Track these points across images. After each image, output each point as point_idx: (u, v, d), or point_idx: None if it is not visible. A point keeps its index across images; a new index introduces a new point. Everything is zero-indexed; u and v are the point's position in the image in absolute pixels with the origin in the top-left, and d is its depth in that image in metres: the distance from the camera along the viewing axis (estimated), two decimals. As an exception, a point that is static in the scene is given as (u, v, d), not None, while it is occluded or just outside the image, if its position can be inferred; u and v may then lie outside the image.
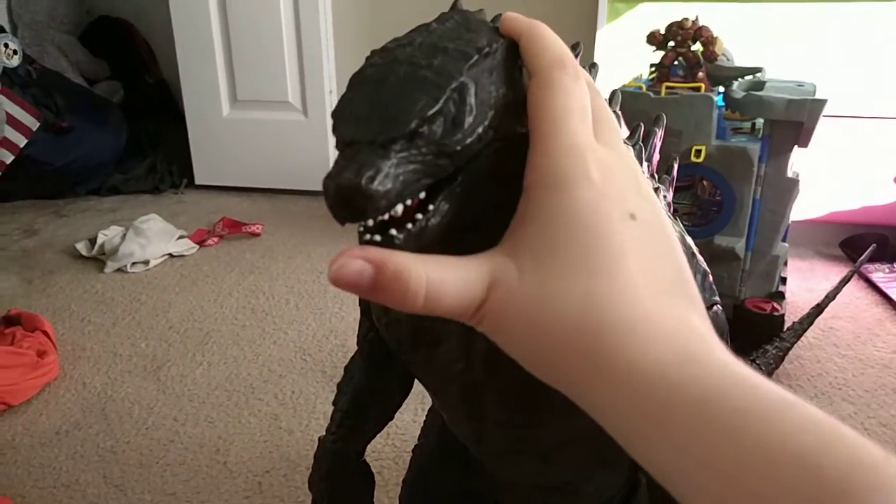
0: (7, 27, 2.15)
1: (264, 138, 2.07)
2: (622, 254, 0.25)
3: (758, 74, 1.23)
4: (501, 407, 0.40)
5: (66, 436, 1.04)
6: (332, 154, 2.07)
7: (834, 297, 1.14)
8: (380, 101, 0.26)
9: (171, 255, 1.67)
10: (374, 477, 0.55)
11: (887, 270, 1.48)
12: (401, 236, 0.26)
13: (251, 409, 1.10)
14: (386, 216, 0.25)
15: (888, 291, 1.40)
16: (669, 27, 1.21)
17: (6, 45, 1.88)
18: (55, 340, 1.25)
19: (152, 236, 1.66)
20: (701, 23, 1.21)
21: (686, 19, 1.20)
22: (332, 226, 1.79)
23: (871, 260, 1.43)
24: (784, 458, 0.20)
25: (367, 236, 0.25)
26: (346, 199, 0.24)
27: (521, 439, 0.43)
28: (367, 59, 0.29)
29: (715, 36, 1.19)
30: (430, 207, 0.27)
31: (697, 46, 1.21)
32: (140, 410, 1.10)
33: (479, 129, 0.27)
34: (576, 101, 0.27)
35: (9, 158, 1.88)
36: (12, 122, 1.87)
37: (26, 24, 2.22)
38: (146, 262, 1.61)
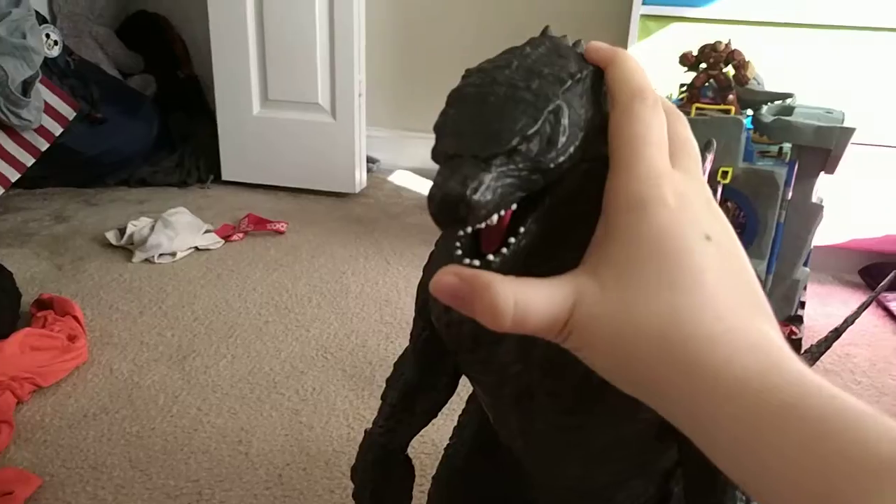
0: (48, 18, 2.20)
1: (292, 138, 2.10)
2: (700, 270, 0.27)
3: (788, 100, 1.24)
4: (554, 410, 0.42)
5: (94, 419, 1.07)
6: (359, 156, 2.09)
7: (852, 322, 1.15)
8: (482, 118, 0.29)
9: (197, 249, 1.70)
10: (415, 472, 0.57)
11: (907, 300, 1.48)
12: (497, 260, 0.28)
13: (273, 402, 1.12)
14: (483, 224, 0.27)
15: (907, 321, 1.40)
16: (702, 49, 1.22)
17: (48, 36, 1.93)
18: (84, 325, 1.28)
19: (180, 229, 1.70)
20: (733, 46, 1.22)
21: (719, 42, 1.22)
22: (355, 227, 1.82)
23: (890, 289, 1.43)
24: (864, 464, 0.22)
25: (467, 261, 0.28)
26: (451, 207, 0.27)
27: (569, 442, 0.45)
28: (465, 77, 0.31)
29: (747, 60, 1.20)
30: (521, 230, 0.29)
31: (729, 69, 1.22)
32: (165, 398, 1.13)
33: (571, 149, 0.29)
34: (654, 131, 0.29)
35: (44, 146, 1.92)
36: (49, 111, 1.91)
37: (66, 15, 2.27)
38: (173, 254, 1.65)
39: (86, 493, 0.92)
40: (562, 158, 0.29)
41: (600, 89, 0.32)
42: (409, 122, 2.39)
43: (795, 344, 1.20)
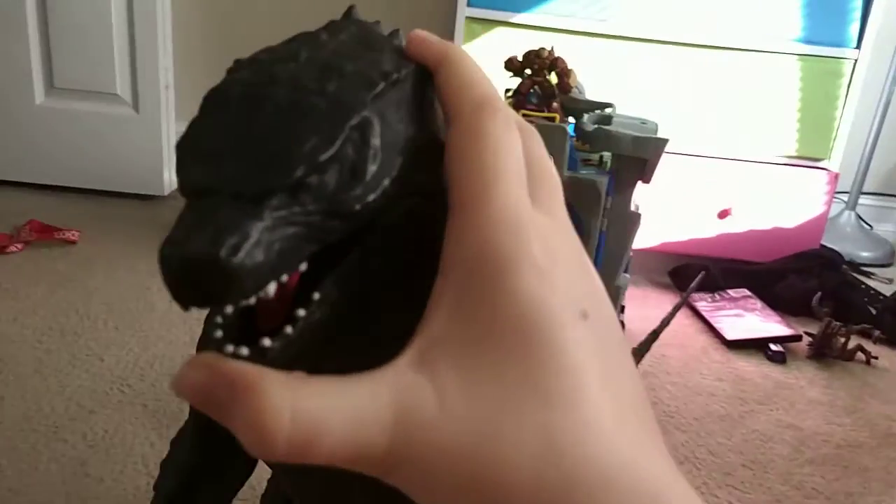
0: None
1: (86, 132, 1.85)
2: (581, 371, 0.19)
3: (608, 109, 1.26)
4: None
5: None
6: (167, 154, 1.89)
7: (667, 324, 1.19)
8: (251, 136, 0.19)
9: (-40, 264, 1.43)
10: None
11: (710, 300, 1.59)
12: (276, 346, 0.19)
13: (52, 453, 0.94)
14: (252, 300, 0.18)
15: (711, 320, 1.50)
16: (527, 55, 1.21)
17: None
18: None
19: (-64, 240, 1.41)
20: (556, 53, 1.22)
21: (543, 49, 1.21)
22: (161, 234, 1.65)
23: (698, 290, 1.53)
24: None
25: (229, 347, 0.19)
26: (196, 276, 0.17)
27: None
28: (231, 71, 0.22)
29: (570, 68, 1.21)
30: (315, 297, 0.20)
31: (552, 77, 1.22)
32: None
33: (385, 182, 0.21)
34: (509, 156, 0.21)
35: None
36: None
37: None
38: (-74, 271, 1.36)
39: None
40: (372, 196, 0.21)
41: (424, 96, 0.24)
42: (226, 117, 2.21)
43: (618, 349, 1.23)
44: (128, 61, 1.81)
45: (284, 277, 0.19)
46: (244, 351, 0.19)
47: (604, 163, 1.27)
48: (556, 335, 0.19)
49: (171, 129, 1.91)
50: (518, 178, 0.22)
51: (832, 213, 1.85)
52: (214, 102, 0.21)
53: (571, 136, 1.23)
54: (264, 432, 0.18)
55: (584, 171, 1.24)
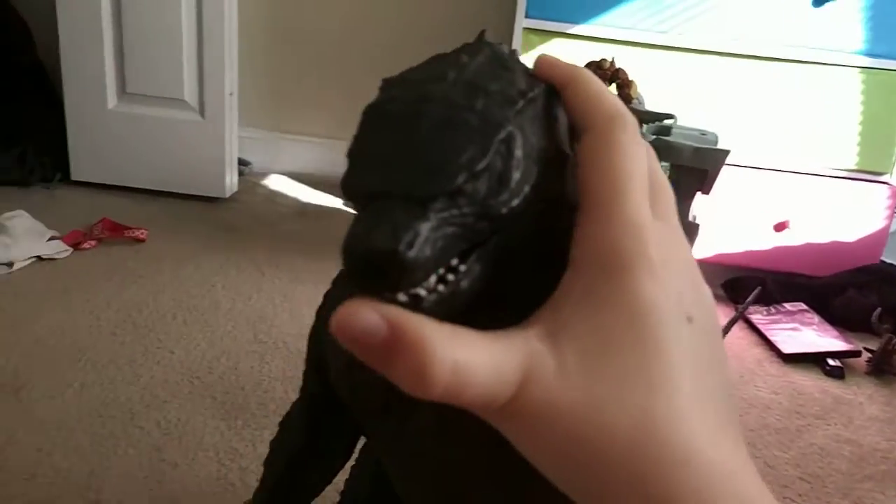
0: None
1: (155, 136, 1.92)
2: (680, 367, 0.22)
3: (670, 121, 1.27)
4: (476, 489, 0.36)
5: None
6: (230, 158, 1.96)
7: (724, 336, 1.20)
8: (416, 147, 0.22)
9: (39, 258, 1.51)
10: None
11: (765, 313, 1.58)
12: (431, 298, 0.21)
13: (129, 438, 1.00)
14: (419, 290, 0.21)
15: (766, 333, 1.49)
16: (589, 66, 1.23)
17: None
18: None
19: (19, 235, 1.49)
20: (618, 64, 1.24)
21: (605, 60, 1.23)
22: (225, 235, 1.69)
23: (753, 303, 1.52)
24: None
25: (389, 294, 0.21)
26: (377, 266, 0.20)
27: None
28: (383, 90, 0.24)
29: (631, 79, 1.22)
30: (462, 267, 0.22)
31: (613, 88, 1.24)
32: (-4, 438, 0.97)
33: (526, 188, 0.23)
34: (637, 167, 0.24)
35: None
36: None
37: None
38: (10, 265, 1.44)
39: None
40: (516, 201, 0.23)
41: (553, 113, 0.26)
42: (287, 123, 2.28)
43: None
44: (195, 69, 1.88)
45: (441, 270, 0.22)
46: (402, 297, 0.21)
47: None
48: (663, 333, 0.22)
49: (234, 134, 1.97)
50: (644, 187, 0.24)
51: (893, 227, 1.81)
52: (376, 117, 0.24)
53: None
54: (427, 379, 0.20)
55: (643, 181, 1.25)
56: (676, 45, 1.59)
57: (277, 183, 2.18)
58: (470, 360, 0.21)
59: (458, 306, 0.23)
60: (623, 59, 1.32)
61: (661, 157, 1.22)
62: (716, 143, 1.23)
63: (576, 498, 0.23)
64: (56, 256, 1.53)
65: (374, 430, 0.38)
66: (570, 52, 1.60)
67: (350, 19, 2.18)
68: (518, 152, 0.23)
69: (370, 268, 0.20)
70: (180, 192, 1.97)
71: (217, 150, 1.94)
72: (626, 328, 0.22)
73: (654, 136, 1.20)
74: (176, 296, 1.42)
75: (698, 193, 1.21)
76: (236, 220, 1.87)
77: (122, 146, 1.94)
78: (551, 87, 0.27)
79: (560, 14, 1.61)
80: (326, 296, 0.40)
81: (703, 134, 1.29)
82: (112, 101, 1.93)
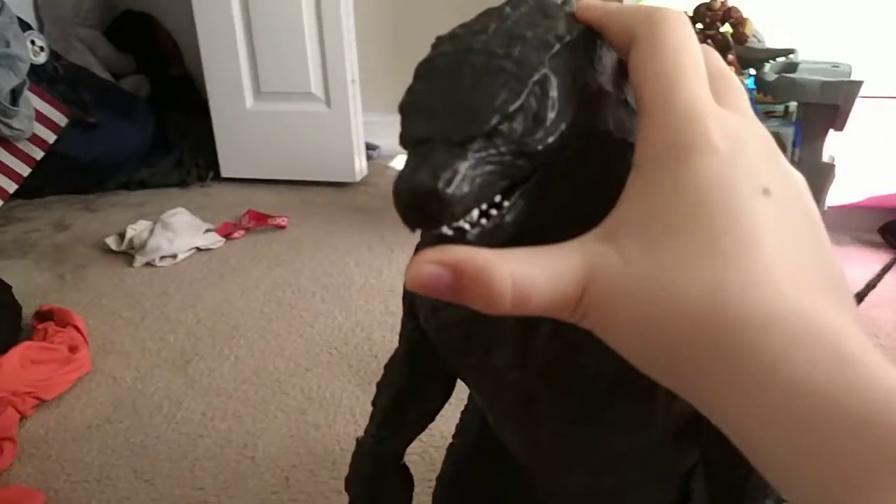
0: (34, 24, 2.17)
1: (288, 130, 2.07)
2: (756, 235, 0.21)
3: (791, 56, 1.19)
4: (558, 417, 0.38)
5: (98, 430, 1.06)
6: (356, 143, 2.06)
7: (874, 286, 1.10)
8: (455, 94, 0.24)
9: (198, 249, 1.68)
10: (413, 480, 0.54)
11: (927, 256, 1.43)
12: (475, 231, 0.24)
13: (278, 403, 1.10)
14: (462, 222, 0.23)
15: (928, 278, 1.35)
16: (697, 9, 1.17)
17: (33, 42, 1.90)
18: (86, 335, 1.27)
19: (180, 230, 1.68)
20: (730, 3, 1.17)
21: (714, 0, 1.16)
22: (357, 217, 1.78)
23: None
24: None
25: (442, 229, 0.24)
26: (420, 203, 0.23)
27: (575, 451, 0.41)
28: (435, 46, 0.27)
29: (745, 17, 1.15)
30: (506, 203, 0.25)
31: (727, 28, 1.17)
32: (169, 405, 1.11)
33: (562, 126, 0.25)
34: (689, 56, 0.24)
35: (39, 155, 1.91)
36: (41, 118, 1.89)
37: (52, 20, 2.25)
38: (174, 256, 1.63)
39: (92, 508, 0.91)
40: (551, 138, 0.25)
41: (593, 52, 0.27)
42: (406, 105, 2.35)
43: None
44: (319, 62, 1.99)
45: (483, 206, 0.24)
46: (447, 231, 0.24)
47: (790, 113, 1.20)
48: (731, 204, 0.21)
49: (359, 120, 2.07)
50: (698, 77, 0.24)
51: None
52: (425, 71, 0.27)
53: (751, 89, 1.17)
54: (495, 298, 0.23)
55: (767, 124, 1.17)
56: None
57: (404, 163, 2.26)
58: (528, 271, 0.23)
59: (503, 238, 0.25)
60: (739, -4, 1.24)
61: (786, 96, 1.14)
62: (849, 74, 1.13)
63: (668, 383, 0.23)
64: (212, 247, 1.70)
65: (462, 368, 0.41)
66: (684, -4, 1.53)
67: (457, 8, 2.20)
68: (553, 93, 0.25)
69: (415, 205, 0.23)
70: (315, 179, 2.10)
71: (344, 136, 2.04)
72: (690, 207, 0.22)
73: (777, 75, 1.12)
74: (314, 275, 1.54)
75: (831, 131, 1.13)
76: (366, 202, 1.97)
77: (261, 142, 2.10)
78: (591, 28, 0.28)
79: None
80: (417, 248, 0.44)
81: (836, 66, 1.19)
82: (249, 101, 2.09)
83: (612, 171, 0.26)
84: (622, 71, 0.28)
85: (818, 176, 1.14)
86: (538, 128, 0.24)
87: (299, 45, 1.97)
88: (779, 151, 0.24)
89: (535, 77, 0.24)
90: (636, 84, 0.25)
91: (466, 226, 0.24)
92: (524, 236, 0.25)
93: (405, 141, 0.25)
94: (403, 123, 0.25)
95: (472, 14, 0.29)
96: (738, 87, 0.25)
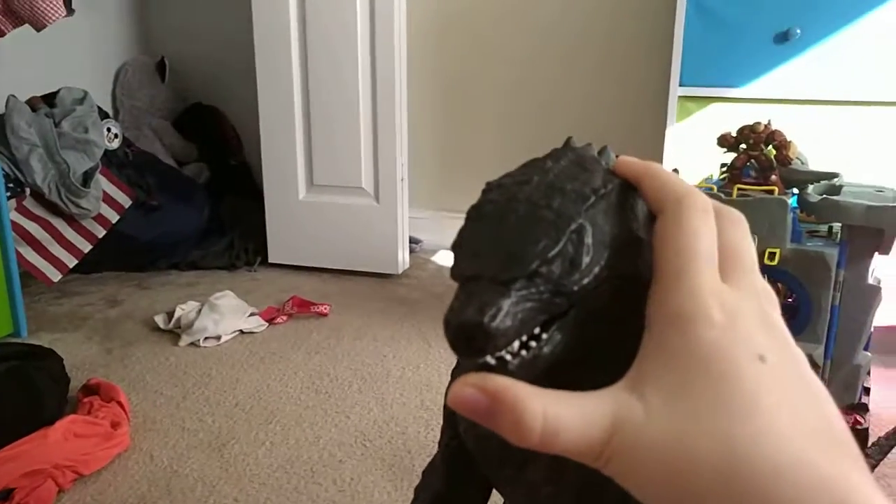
0: (110, 111, 2.34)
1: (337, 221, 2.15)
2: (756, 395, 0.25)
3: (834, 179, 1.21)
4: None
5: (132, 509, 1.06)
6: (401, 238, 2.12)
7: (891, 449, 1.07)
8: (501, 239, 0.27)
9: (241, 332, 1.72)
10: None
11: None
12: (515, 362, 0.26)
13: (310, 493, 1.10)
14: (503, 353, 0.26)
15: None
16: (741, 130, 1.22)
17: (108, 130, 2.04)
18: (129, 411, 1.29)
19: (226, 312, 1.72)
20: (774, 126, 1.21)
21: (759, 123, 1.21)
22: (397, 308, 1.81)
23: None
24: None
25: (485, 359, 0.26)
26: (467, 336, 0.25)
27: None
28: (485, 193, 0.30)
29: (788, 140, 1.19)
30: (544, 336, 0.27)
31: (770, 149, 1.21)
32: (203, 488, 1.11)
33: (596, 269, 0.28)
34: (703, 241, 0.28)
35: (101, 233, 2.01)
36: (107, 199, 2.00)
37: (128, 109, 2.41)
38: (218, 338, 1.67)
39: (118, 590, 0.91)
40: (586, 280, 0.28)
41: (627, 203, 0.30)
42: (451, 202, 2.43)
43: (861, 434, 1.12)
44: (371, 159, 2.09)
45: (524, 338, 0.27)
46: (491, 360, 0.26)
47: (834, 234, 1.21)
48: (731, 369, 0.25)
49: (405, 216, 2.14)
50: (708, 260, 0.28)
51: None
52: (475, 215, 0.30)
53: (794, 208, 1.19)
54: (524, 430, 0.25)
55: (811, 244, 1.18)
56: (842, 100, 1.51)
57: (445, 258, 2.31)
58: (559, 412, 0.25)
59: (540, 368, 0.28)
60: (783, 117, 1.28)
61: (829, 217, 1.16)
62: (894, 199, 1.15)
63: None
64: (255, 330, 1.74)
65: (497, 479, 0.42)
66: (727, 115, 1.58)
67: (506, 105, 2.31)
68: (588, 240, 0.28)
69: (463, 336, 0.26)
70: (358, 269, 2.16)
71: (391, 230, 2.11)
72: (696, 370, 0.25)
73: (821, 197, 1.14)
74: (352, 365, 1.56)
75: (876, 254, 1.13)
76: (407, 294, 2.00)
77: (310, 231, 2.18)
78: (628, 182, 0.31)
79: (715, 79, 1.61)
80: (455, 367, 0.46)
81: (880, 191, 1.20)
82: (302, 192, 2.18)
83: (641, 308, 0.29)
84: (654, 220, 0.31)
85: (864, 297, 1.14)
86: (574, 271, 0.27)
87: (354, 143, 2.08)
88: (776, 319, 0.28)
89: (573, 226, 0.27)
90: (656, 252, 0.29)
91: (508, 356, 0.26)
92: (561, 367, 0.28)
93: (456, 276, 0.28)
94: (455, 261, 0.29)
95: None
96: (744, 263, 0.29)
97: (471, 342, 0.25)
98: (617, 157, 0.33)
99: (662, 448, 0.24)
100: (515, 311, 0.26)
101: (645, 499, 0.26)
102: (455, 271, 0.28)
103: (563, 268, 0.27)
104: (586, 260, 0.28)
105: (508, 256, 0.27)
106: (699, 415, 0.24)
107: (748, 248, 0.29)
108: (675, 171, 0.33)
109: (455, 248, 0.29)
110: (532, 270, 0.26)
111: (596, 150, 0.33)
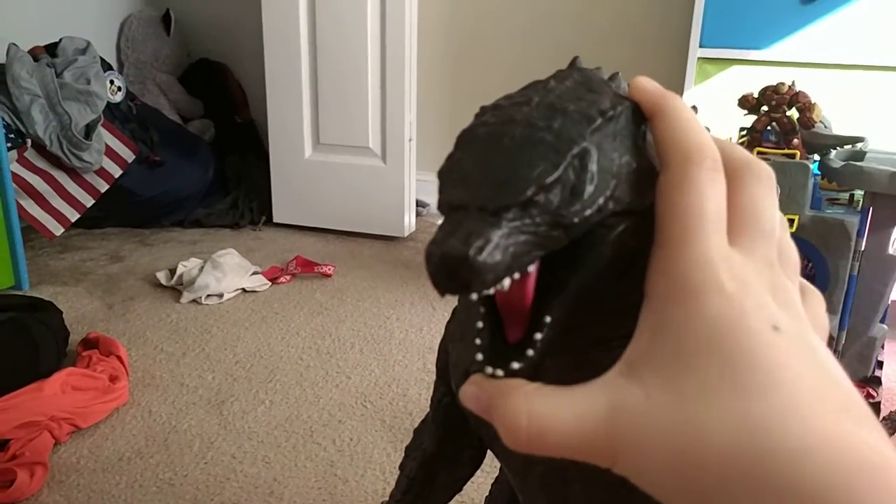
0: (114, 65, 2.29)
1: (343, 181, 2.11)
2: (773, 367, 0.22)
3: (859, 144, 1.16)
4: (588, 498, 0.36)
5: (129, 463, 1.05)
6: (408, 200, 2.08)
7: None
8: (493, 164, 0.24)
9: (244, 290, 1.70)
10: None
11: None
12: (523, 366, 0.25)
13: (308, 452, 1.08)
14: (492, 290, 0.23)
15: None
16: (764, 91, 1.17)
17: (111, 82, 2.00)
18: (128, 366, 1.28)
19: (228, 270, 1.70)
20: (798, 88, 1.16)
21: (782, 84, 1.16)
22: (402, 272, 1.78)
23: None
24: None
25: (489, 370, 0.24)
26: (451, 269, 0.22)
27: None
28: (478, 116, 0.27)
29: (813, 102, 1.14)
30: (547, 320, 0.25)
31: (793, 112, 1.16)
32: (201, 444, 1.10)
33: (600, 200, 0.25)
34: (710, 203, 0.24)
35: (103, 188, 1.98)
36: (110, 153, 1.97)
37: (132, 63, 2.37)
38: (220, 295, 1.65)
39: (112, 543, 0.90)
40: (588, 211, 0.24)
41: (639, 129, 0.27)
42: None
43: (873, 407, 1.09)
44: (379, 119, 2.05)
45: (517, 275, 0.24)
46: (500, 373, 0.25)
47: (856, 201, 1.17)
48: (745, 341, 0.22)
49: (413, 178, 2.10)
50: (715, 224, 0.24)
51: None
52: (466, 140, 0.26)
53: (815, 174, 1.15)
54: (510, 428, 0.24)
55: (830, 211, 1.14)
56: (867, 64, 1.45)
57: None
58: (546, 410, 0.23)
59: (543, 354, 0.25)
60: (808, 81, 1.23)
61: (852, 184, 1.11)
62: (920, 166, 1.10)
63: None
64: (257, 289, 1.71)
65: (492, 438, 0.39)
66: (748, 78, 1.53)
67: (518, 65, 2.25)
68: (592, 166, 0.24)
69: (445, 271, 0.22)
70: (364, 231, 2.13)
71: (397, 192, 2.07)
72: (706, 346, 0.22)
73: (844, 163, 1.10)
74: (355, 326, 1.53)
75: (899, 223, 1.09)
76: (412, 258, 1.97)
77: (315, 191, 2.14)
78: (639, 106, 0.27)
79: (737, 41, 1.55)
80: (454, 311, 0.43)
81: (905, 158, 1.16)
82: (308, 151, 2.14)
83: (650, 247, 0.25)
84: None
85: (884, 268, 1.10)
86: (575, 200, 0.24)
87: (362, 101, 2.03)
88: (788, 292, 0.25)
89: (575, 150, 0.24)
90: (659, 211, 0.25)
91: (515, 364, 0.24)
92: (571, 331, 0.25)
93: (442, 206, 0.25)
94: (441, 189, 0.25)
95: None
96: (757, 226, 0.25)
97: (454, 276, 0.22)
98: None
99: (669, 435, 0.22)
100: (507, 244, 0.23)
101: (664, 498, 0.23)
102: (441, 200, 0.25)
103: (563, 196, 0.24)
104: (590, 189, 0.24)
105: (500, 183, 0.23)
106: (708, 393, 0.22)
107: (768, 207, 0.26)
108: (695, 108, 0.29)
109: (442, 174, 0.25)
110: (527, 198, 0.23)
111: (606, 76, 0.29)
